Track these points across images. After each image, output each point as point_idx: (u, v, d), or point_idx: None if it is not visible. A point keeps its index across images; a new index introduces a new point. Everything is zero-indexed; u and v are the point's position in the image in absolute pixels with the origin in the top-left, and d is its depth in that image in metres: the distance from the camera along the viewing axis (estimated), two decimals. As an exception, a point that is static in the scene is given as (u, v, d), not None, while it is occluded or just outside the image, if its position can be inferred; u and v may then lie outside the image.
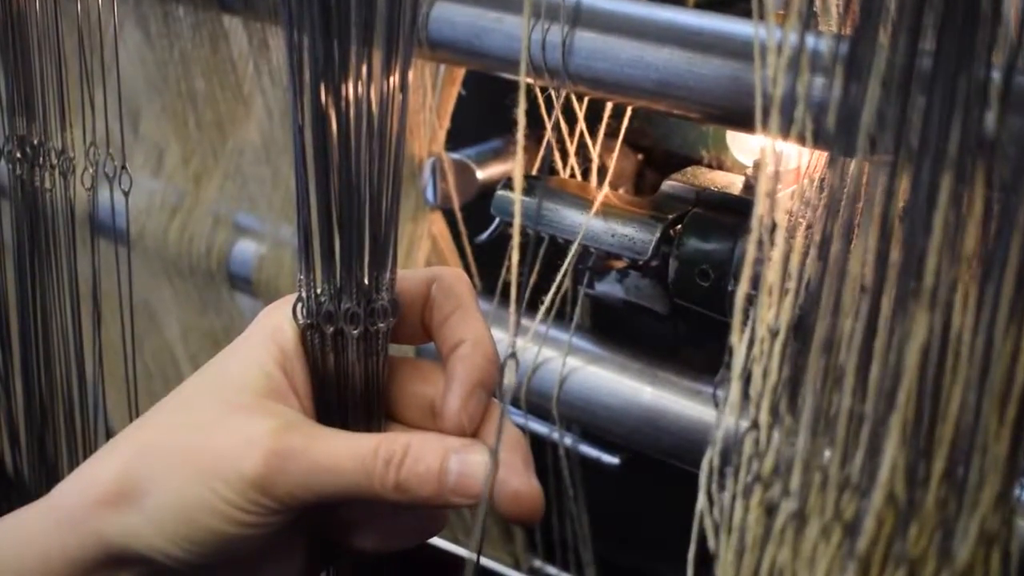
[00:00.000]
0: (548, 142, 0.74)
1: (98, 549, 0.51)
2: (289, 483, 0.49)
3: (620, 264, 0.75)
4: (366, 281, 0.53)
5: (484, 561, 0.94)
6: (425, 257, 0.87)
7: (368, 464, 0.49)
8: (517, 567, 0.95)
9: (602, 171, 0.78)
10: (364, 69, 0.50)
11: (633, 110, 0.78)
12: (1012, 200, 0.40)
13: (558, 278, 0.60)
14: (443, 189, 0.85)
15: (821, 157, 0.61)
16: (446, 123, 0.85)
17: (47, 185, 0.78)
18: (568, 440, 0.82)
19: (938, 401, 0.41)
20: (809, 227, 0.54)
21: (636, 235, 0.70)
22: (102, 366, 0.82)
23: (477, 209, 0.84)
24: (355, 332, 0.53)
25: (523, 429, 0.76)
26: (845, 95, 0.43)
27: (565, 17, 0.67)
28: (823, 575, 0.43)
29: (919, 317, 0.41)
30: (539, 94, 0.73)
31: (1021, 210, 0.40)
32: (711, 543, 0.47)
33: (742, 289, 0.47)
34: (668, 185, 0.74)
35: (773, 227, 0.46)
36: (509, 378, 0.46)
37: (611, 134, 0.79)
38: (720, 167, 0.79)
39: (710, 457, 0.48)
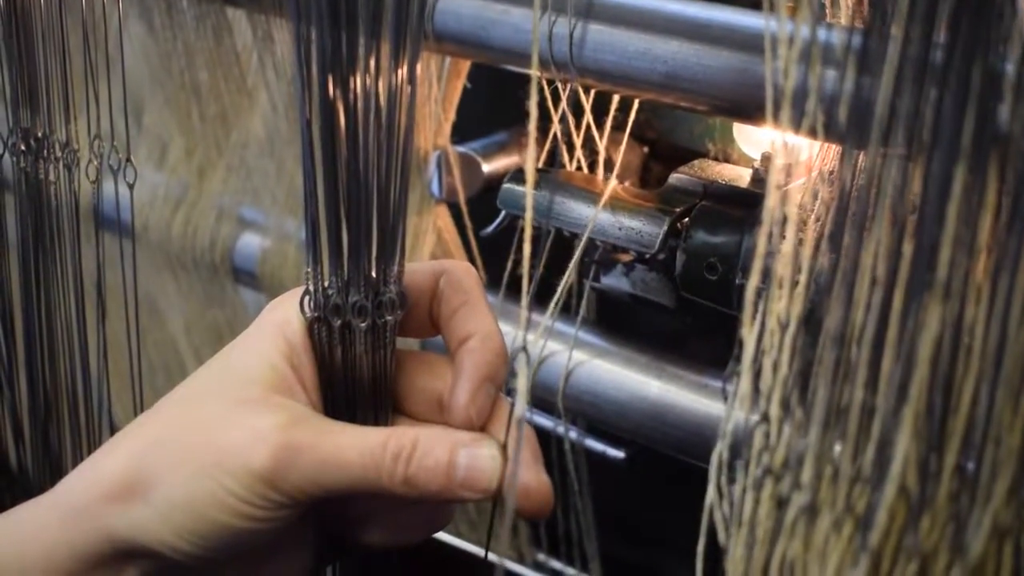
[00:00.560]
0: (555, 135, 0.74)
1: (104, 543, 0.51)
2: (297, 477, 0.49)
3: (627, 257, 0.75)
4: (374, 274, 0.53)
5: (489, 555, 0.94)
6: (430, 250, 0.86)
7: (377, 458, 0.49)
8: (522, 561, 0.95)
9: (608, 164, 0.78)
10: (372, 62, 0.50)
11: (639, 103, 0.78)
12: (1025, 191, 0.40)
13: (567, 272, 0.60)
14: (448, 182, 0.85)
15: (831, 149, 0.61)
16: (451, 116, 0.85)
17: (51, 178, 0.78)
18: (573, 434, 0.82)
19: (950, 393, 0.41)
20: (818, 219, 0.54)
21: (643, 228, 0.70)
22: (106, 360, 0.82)
23: (482, 202, 0.84)
24: (363, 325, 0.53)
25: (528, 423, 0.75)
26: (857, 88, 0.43)
27: (572, 9, 0.67)
28: (835, 569, 0.43)
29: (932, 309, 0.41)
30: (546, 87, 0.73)
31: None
32: (721, 537, 0.47)
33: (752, 282, 0.46)
34: (675, 178, 0.74)
35: (784, 220, 0.46)
36: (521, 375, 0.46)
37: (617, 127, 0.78)
38: (727, 160, 0.79)
39: (720, 450, 0.48)
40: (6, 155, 0.79)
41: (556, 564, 0.94)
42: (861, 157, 0.44)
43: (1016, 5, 0.41)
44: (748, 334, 0.47)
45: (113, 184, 0.77)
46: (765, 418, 0.46)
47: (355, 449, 0.49)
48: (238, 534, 0.50)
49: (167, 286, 1.03)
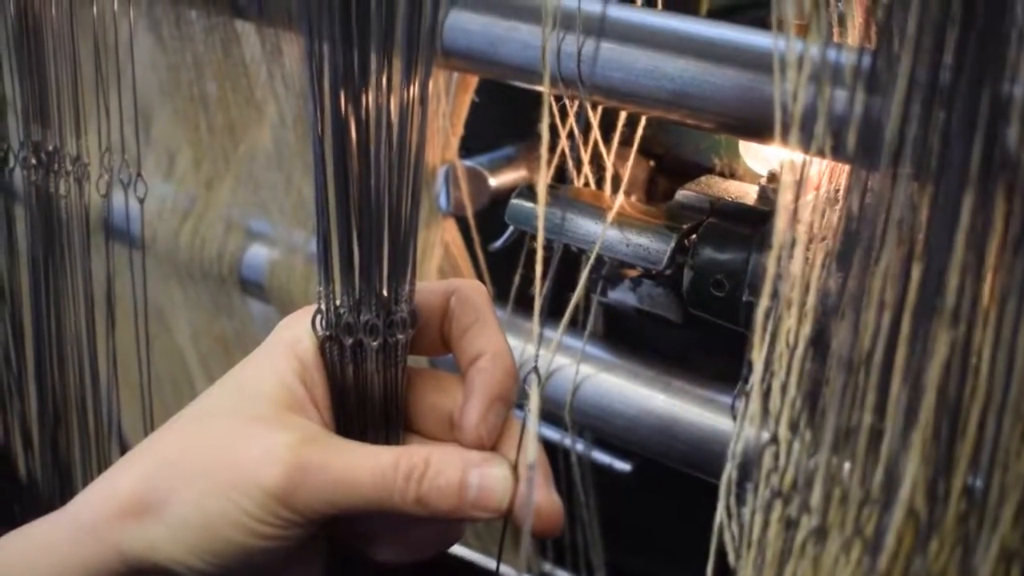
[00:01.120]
0: (563, 151, 0.74)
1: (117, 561, 0.51)
2: (310, 496, 0.49)
3: (634, 272, 0.76)
4: (385, 293, 0.53)
5: (493, 564, 0.94)
6: (438, 264, 0.87)
7: (389, 478, 0.50)
8: (528, 572, 0.95)
9: (616, 180, 0.78)
10: (384, 79, 0.50)
11: (646, 119, 0.78)
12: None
13: (577, 288, 0.60)
14: (456, 196, 0.85)
15: (839, 168, 0.61)
16: (459, 130, 0.85)
17: (62, 191, 0.79)
18: (580, 446, 0.82)
19: (958, 418, 0.42)
20: (824, 239, 0.54)
21: (651, 245, 0.70)
22: (116, 371, 0.83)
23: (490, 216, 0.85)
24: (374, 344, 0.53)
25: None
26: (866, 110, 0.44)
27: (580, 27, 0.68)
28: (843, 590, 0.44)
29: (940, 334, 0.41)
30: (554, 103, 0.73)
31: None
32: (731, 558, 0.48)
33: (763, 303, 0.47)
34: (682, 195, 0.74)
35: (793, 241, 0.46)
36: (533, 396, 0.47)
37: (623, 142, 0.79)
38: (732, 175, 0.79)
39: (729, 472, 0.48)
40: (17, 169, 0.79)
41: (562, 575, 0.94)
42: (869, 179, 0.44)
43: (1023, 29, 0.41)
44: (757, 355, 0.47)
45: (123, 197, 0.77)
46: (774, 439, 0.46)
47: (367, 468, 0.50)
48: (250, 552, 0.50)
49: (174, 297, 1.03)
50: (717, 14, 0.81)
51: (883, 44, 0.43)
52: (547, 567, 0.96)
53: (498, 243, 0.80)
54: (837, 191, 0.61)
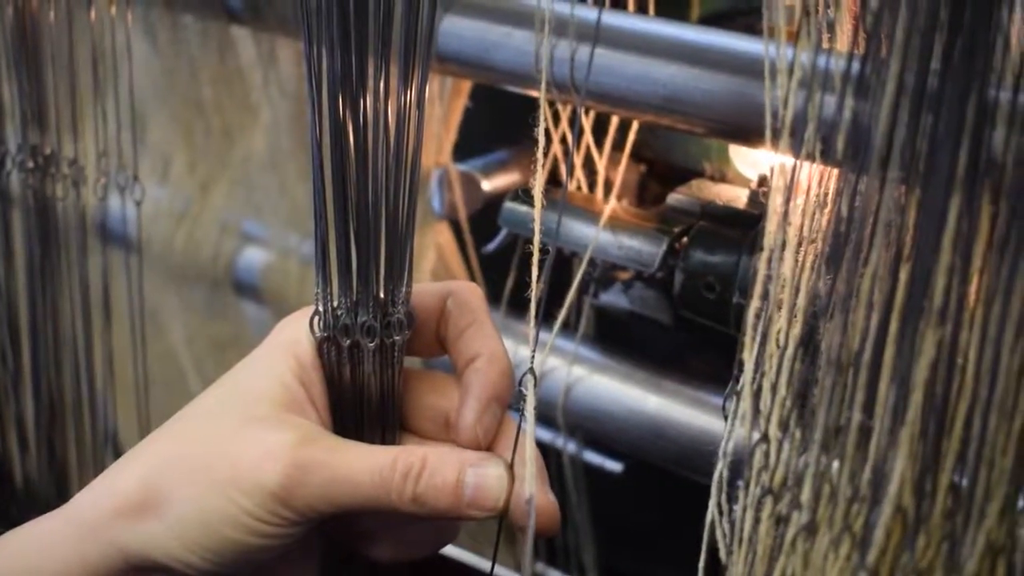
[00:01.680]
0: (555, 155, 0.75)
1: (117, 559, 0.52)
2: (309, 495, 0.50)
3: (625, 275, 0.76)
4: (382, 294, 0.54)
5: (486, 564, 0.95)
6: (431, 267, 0.88)
7: (386, 477, 0.50)
8: (520, 571, 0.96)
9: (607, 184, 0.79)
10: (381, 84, 0.51)
11: (637, 123, 0.79)
12: (1019, 218, 0.41)
13: (570, 291, 0.61)
14: (449, 200, 0.86)
15: (828, 172, 0.62)
16: (453, 134, 0.86)
17: (58, 195, 0.79)
18: (572, 447, 0.83)
19: (945, 416, 0.42)
20: (813, 242, 0.55)
21: (643, 247, 0.71)
22: (112, 373, 0.83)
23: (483, 220, 0.85)
24: (371, 345, 0.54)
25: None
26: (855, 115, 0.44)
27: (574, 33, 0.68)
28: (833, 586, 0.44)
29: (928, 334, 0.42)
30: (546, 108, 0.74)
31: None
32: (722, 555, 0.49)
33: (752, 305, 0.48)
34: (673, 198, 0.75)
35: (783, 244, 0.47)
36: (530, 397, 0.47)
37: (614, 147, 0.80)
38: (723, 179, 0.80)
39: (720, 469, 0.49)
40: (14, 172, 0.80)
41: (554, 574, 0.95)
42: (858, 182, 0.45)
43: (1009, 36, 0.42)
44: (748, 356, 0.48)
45: (119, 199, 0.78)
46: (765, 438, 0.47)
47: (365, 467, 0.51)
48: (249, 550, 0.51)
49: (169, 299, 1.04)
50: (707, 21, 0.81)
51: (871, 50, 0.44)
52: (539, 567, 0.96)
53: (491, 246, 0.81)
54: (826, 195, 0.61)
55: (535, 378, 0.47)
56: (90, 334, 0.83)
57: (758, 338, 0.48)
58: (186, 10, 0.92)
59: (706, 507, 0.51)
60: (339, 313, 0.54)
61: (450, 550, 0.92)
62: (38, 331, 0.82)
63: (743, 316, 0.49)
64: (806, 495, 0.45)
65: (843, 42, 0.51)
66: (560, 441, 0.82)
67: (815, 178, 0.62)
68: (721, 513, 0.49)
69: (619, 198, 0.82)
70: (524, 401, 0.52)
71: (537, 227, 0.48)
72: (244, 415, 0.52)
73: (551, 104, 0.74)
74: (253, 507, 0.50)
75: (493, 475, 0.51)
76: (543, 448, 0.81)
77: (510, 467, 0.52)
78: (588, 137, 0.78)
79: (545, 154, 0.79)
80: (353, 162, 0.52)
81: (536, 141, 0.57)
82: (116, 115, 0.79)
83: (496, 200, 0.81)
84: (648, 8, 0.75)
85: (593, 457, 0.85)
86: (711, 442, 0.71)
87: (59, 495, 0.86)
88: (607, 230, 0.72)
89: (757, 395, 0.48)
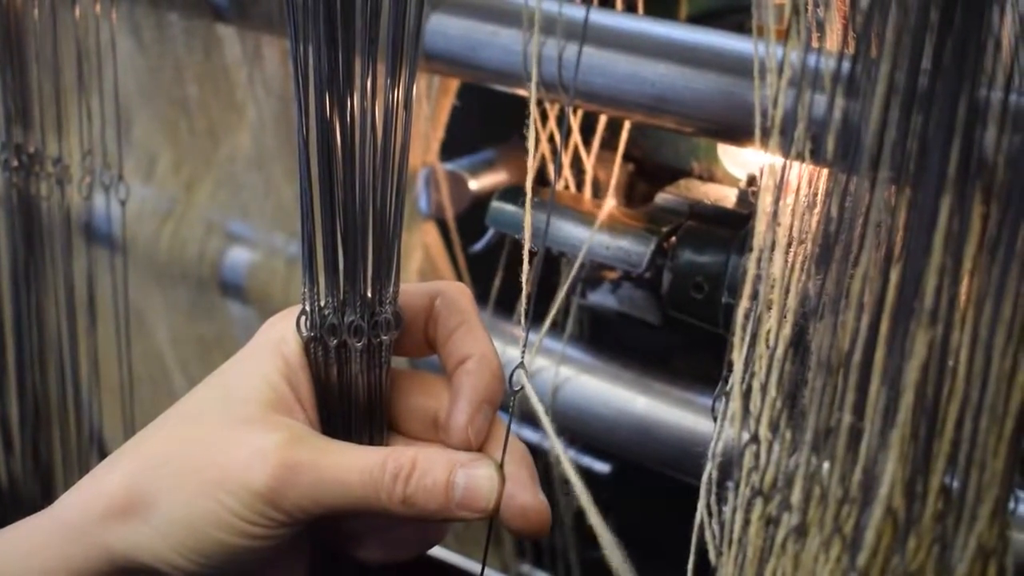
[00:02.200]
0: (543, 155, 0.75)
1: (102, 561, 0.51)
2: (297, 496, 0.50)
3: (613, 275, 0.76)
4: (369, 294, 0.53)
5: (473, 566, 0.94)
6: (418, 266, 0.87)
7: (376, 478, 0.50)
8: (506, 572, 0.96)
9: (596, 183, 0.79)
10: (369, 82, 0.51)
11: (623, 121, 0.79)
12: (1010, 219, 0.41)
13: (560, 292, 0.61)
14: (436, 199, 0.85)
15: (818, 171, 0.62)
16: (440, 133, 0.85)
17: (43, 193, 0.79)
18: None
19: (936, 417, 0.42)
20: (803, 242, 0.55)
21: (631, 247, 0.71)
22: (97, 372, 0.83)
23: (470, 219, 0.85)
24: (358, 345, 0.53)
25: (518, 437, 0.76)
26: (846, 115, 0.44)
27: (561, 32, 0.68)
28: (823, 588, 0.44)
29: (919, 335, 0.42)
30: (535, 107, 0.73)
31: (1019, 229, 0.41)
32: (712, 556, 0.48)
33: (742, 306, 0.48)
34: (662, 198, 0.75)
35: (773, 244, 0.47)
36: (531, 395, 0.47)
37: (602, 146, 0.79)
38: (711, 179, 0.80)
39: (710, 470, 0.49)
40: (-1, 170, 0.79)
41: (540, 575, 0.94)
42: (848, 182, 0.45)
43: (999, 36, 0.42)
44: (738, 357, 0.48)
45: (103, 199, 0.78)
46: (755, 439, 0.47)
47: (354, 468, 0.50)
48: (237, 551, 0.50)
49: (154, 299, 1.04)
50: (696, 19, 0.81)
51: (861, 50, 0.44)
52: (525, 568, 0.96)
53: (478, 246, 0.81)
54: (816, 195, 0.61)
55: (526, 371, 0.46)
56: (75, 334, 0.82)
57: (748, 338, 0.48)
58: (171, 8, 0.91)
59: (695, 508, 0.50)
60: (326, 313, 0.53)
61: (435, 550, 0.92)
62: (22, 331, 0.82)
63: (731, 316, 0.49)
64: (796, 496, 0.45)
65: (833, 41, 0.51)
66: (547, 442, 0.81)
67: (805, 178, 0.61)
68: (711, 514, 0.49)
69: (606, 198, 0.82)
70: (513, 400, 0.52)
71: (528, 225, 0.47)
72: (231, 415, 0.52)
73: (539, 103, 0.73)
74: (241, 508, 0.49)
75: (484, 476, 0.51)
76: (530, 449, 0.81)
77: (500, 468, 0.52)
78: (576, 136, 0.78)
79: (532, 154, 0.79)
80: (340, 161, 0.51)
81: (524, 140, 0.57)
82: (101, 113, 0.79)
83: (483, 199, 0.81)
84: (637, 7, 0.75)
85: (581, 459, 0.84)
86: (699, 443, 0.70)
87: (44, 496, 0.85)
88: (595, 230, 0.72)
89: (747, 396, 0.48)
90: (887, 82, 0.43)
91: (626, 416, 0.73)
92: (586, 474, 0.84)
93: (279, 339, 0.54)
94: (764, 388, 0.47)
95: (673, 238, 0.71)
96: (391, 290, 0.54)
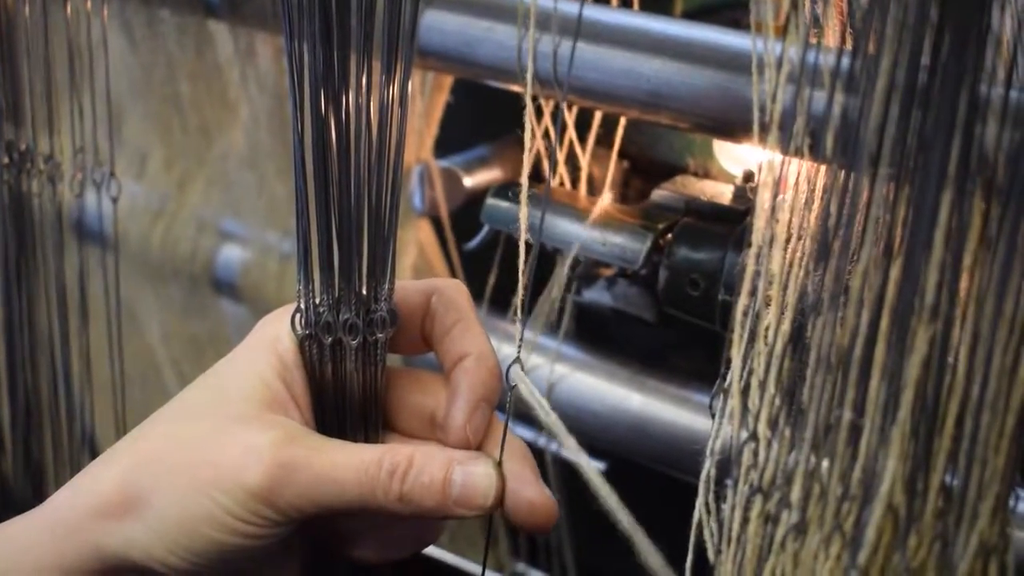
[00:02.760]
0: (539, 151, 0.75)
1: (95, 559, 0.51)
2: (292, 495, 0.49)
3: (609, 272, 0.76)
4: (364, 292, 0.53)
5: (466, 565, 0.94)
6: (412, 263, 0.87)
7: (372, 475, 0.50)
8: (501, 571, 0.96)
9: (591, 179, 0.79)
10: (364, 80, 0.50)
11: (619, 117, 0.79)
12: (1010, 215, 0.41)
13: (556, 288, 0.61)
14: (430, 196, 0.85)
15: (817, 167, 0.61)
16: (434, 130, 0.85)
17: (34, 190, 0.78)
18: (555, 446, 0.83)
19: (937, 414, 0.42)
20: (801, 238, 0.55)
21: (627, 244, 0.71)
22: (89, 371, 0.82)
23: (464, 216, 0.85)
24: (354, 343, 0.53)
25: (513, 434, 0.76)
26: (844, 111, 0.44)
27: (556, 28, 0.68)
28: (824, 586, 0.44)
29: (919, 332, 0.42)
30: (530, 103, 0.73)
31: (1020, 225, 0.40)
32: (710, 555, 0.48)
33: (741, 302, 0.47)
34: (658, 194, 0.75)
35: (771, 240, 0.47)
36: (525, 390, 0.47)
37: (597, 142, 0.79)
38: (707, 175, 0.80)
39: (708, 468, 0.49)
40: (-11, 168, 0.79)
41: (536, 574, 0.94)
42: (847, 179, 0.45)
43: (999, 33, 0.42)
44: (736, 353, 0.48)
45: (95, 196, 0.77)
46: (753, 436, 0.47)
47: (350, 466, 0.50)
48: (231, 550, 0.50)
49: (146, 297, 1.03)
50: (692, 15, 0.81)
51: (861, 46, 0.43)
52: (520, 567, 0.96)
53: (473, 243, 0.80)
54: (814, 190, 0.61)
55: (522, 365, 0.46)
56: (66, 332, 0.82)
57: (746, 335, 0.48)
58: (163, 5, 0.91)
59: (691, 506, 0.50)
60: (321, 310, 0.53)
61: (428, 549, 0.92)
62: (13, 329, 0.81)
63: (728, 313, 0.49)
64: (796, 494, 0.45)
65: (831, 37, 0.51)
66: (542, 440, 0.81)
67: (803, 174, 0.61)
68: (709, 512, 0.49)
69: (603, 194, 0.82)
70: (510, 396, 0.52)
71: (523, 222, 0.47)
72: (225, 414, 0.52)
73: (534, 99, 0.73)
74: (235, 507, 0.49)
75: (481, 473, 0.51)
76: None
77: (499, 466, 0.51)
78: (571, 132, 0.78)
79: (528, 150, 0.79)
80: (335, 158, 0.51)
81: (519, 137, 0.57)
82: (92, 111, 0.78)
83: (478, 196, 0.81)
84: (632, 2, 0.75)
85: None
86: (695, 440, 0.70)
87: (35, 495, 0.85)
88: (591, 227, 0.72)
89: (745, 393, 0.47)
90: (887, 78, 0.42)
91: (621, 414, 0.73)
92: (581, 472, 0.84)
93: (274, 337, 0.54)
94: (763, 385, 0.47)
95: (669, 235, 0.71)
96: (386, 287, 0.53)
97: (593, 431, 0.74)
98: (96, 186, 0.79)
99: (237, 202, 0.95)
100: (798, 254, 0.47)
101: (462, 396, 0.53)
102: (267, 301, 0.92)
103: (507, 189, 0.77)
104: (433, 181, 0.85)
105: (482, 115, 0.84)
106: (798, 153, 0.47)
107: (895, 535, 0.43)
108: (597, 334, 0.82)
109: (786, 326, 0.47)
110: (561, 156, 0.78)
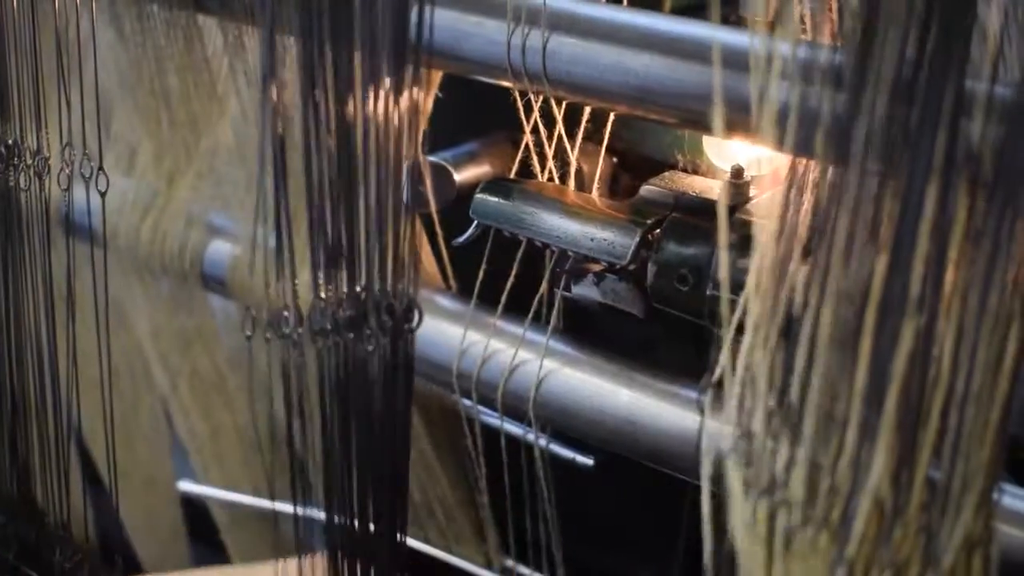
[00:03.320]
0: (527, 146, 0.75)
1: None
2: None
3: (597, 267, 0.76)
4: (375, 289, 0.52)
5: (457, 561, 0.94)
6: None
7: None
8: (489, 567, 0.96)
9: (579, 175, 0.79)
10: (367, 76, 0.50)
11: (608, 113, 0.79)
12: (995, 209, 0.41)
13: (542, 284, 0.61)
14: (419, 191, 0.85)
15: (806, 162, 0.62)
16: (423, 126, 0.85)
17: (22, 185, 0.78)
18: (543, 441, 0.82)
19: (921, 407, 0.42)
20: (791, 233, 0.55)
21: (615, 239, 0.71)
22: (76, 367, 0.82)
23: (453, 211, 0.85)
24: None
25: (498, 430, 0.76)
26: (832, 106, 0.44)
27: (545, 23, 0.68)
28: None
29: (906, 325, 0.42)
30: (518, 98, 0.73)
31: (1005, 219, 0.41)
32: (705, 551, 0.48)
33: (729, 297, 0.47)
34: (646, 190, 0.75)
35: (760, 235, 0.47)
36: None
37: (586, 138, 0.79)
38: (696, 171, 0.80)
39: (698, 463, 0.49)
40: (-24, 162, 0.79)
41: (524, 570, 0.94)
42: (835, 173, 0.45)
43: (985, 27, 0.42)
44: (725, 349, 0.48)
45: (83, 191, 0.77)
46: (743, 431, 0.47)
47: None
48: None
49: (134, 292, 1.03)
50: (681, 10, 0.81)
51: (849, 41, 0.43)
52: (508, 562, 0.96)
53: (462, 238, 0.80)
54: (803, 185, 0.61)
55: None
56: (53, 327, 0.81)
57: (734, 330, 0.48)
58: (152, -2, 0.91)
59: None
60: (331, 309, 0.53)
61: (418, 546, 0.92)
62: (0, 323, 0.81)
63: (717, 308, 0.49)
64: (785, 488, 0.45)
65: (820, 32, 0.51)
66: (531, 435, 0.81)
67: (792, 169, 0.61)
68: (699, 507, 0.49)
69: (591, 189, 0.82)
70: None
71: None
72: None
73: (523, 95, 0.73)
74: None
75: None
76: (514, 442, 0.80)
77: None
78: (560, 128, 0.78)
79: (516, 145, 0.79)
80: (336, 153, 0.51)
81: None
82: (80, 105, 0.78)
83: (467, 191, 0.80)
84: (621, -3, 0.75)
85: (564, 451, 0.84)
86: (683, 436, 0.70)
87: (21, 492, 0.84)
88: (578, 221, 0.72)
89: (734, 388, 0.48)
90: (874, 72, 0.43)
91: (610, 409, 0.73)
92: (570, 467, 0.84)
93: None
94: (752, 380, 0.47)
95: (658, 230, 0.71)
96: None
97: (581, 426, 0.75)
98: (84, 180, 0.79)
99: (226, 197, 0.95)
100: (787, 248, 0.47)
101: None
102: (255, 297, 0.91)
103: (496, 184, 0.77)
104: (422, 176, 0.84)
105: (471, 110, 0.84)
106: (787, 148, 0.47)
107: (881, 528, 0.43)
108: (585, 329, 0.82)
109: (775, 320, 0.47)
110: (550, 152, 0.78)
